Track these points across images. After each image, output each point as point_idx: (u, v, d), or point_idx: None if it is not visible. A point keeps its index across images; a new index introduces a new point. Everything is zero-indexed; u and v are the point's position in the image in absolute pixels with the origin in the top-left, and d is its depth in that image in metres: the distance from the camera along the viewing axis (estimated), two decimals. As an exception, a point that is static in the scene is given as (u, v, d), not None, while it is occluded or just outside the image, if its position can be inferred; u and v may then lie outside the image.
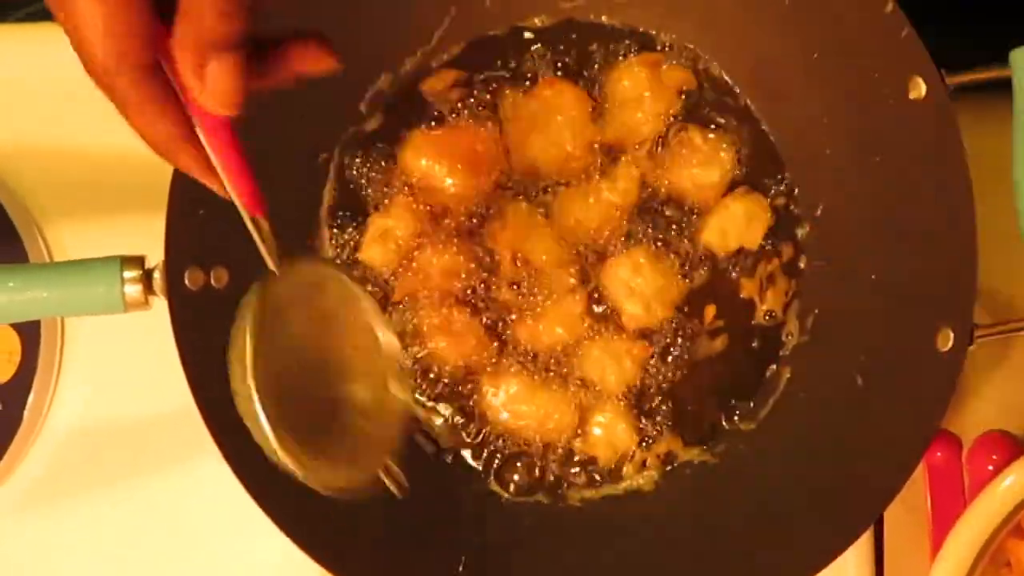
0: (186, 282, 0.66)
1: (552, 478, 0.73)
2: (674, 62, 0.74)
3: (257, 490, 0.65)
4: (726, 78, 0.74)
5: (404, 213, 0.73)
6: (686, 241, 0.73)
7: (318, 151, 0.74)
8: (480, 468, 0.73)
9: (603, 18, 0.75)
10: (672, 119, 0.74)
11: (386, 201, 0.74)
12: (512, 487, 0.73)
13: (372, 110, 0.75)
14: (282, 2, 0.67)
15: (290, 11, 0.68)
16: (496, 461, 0.73)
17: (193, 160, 0.40)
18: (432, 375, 0.73)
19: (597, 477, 0.73)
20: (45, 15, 0.83)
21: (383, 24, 0.73)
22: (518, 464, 0.73)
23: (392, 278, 0.74)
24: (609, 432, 0.73)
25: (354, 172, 0.74)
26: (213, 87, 0.36)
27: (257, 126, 0.69)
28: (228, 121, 0.41)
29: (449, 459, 0.73)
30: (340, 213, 0.74)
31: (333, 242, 0.74)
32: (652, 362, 0.73)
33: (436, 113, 0.74)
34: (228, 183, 0.44)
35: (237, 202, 0.45)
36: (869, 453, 0.67)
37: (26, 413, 0.76)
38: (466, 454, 0.74)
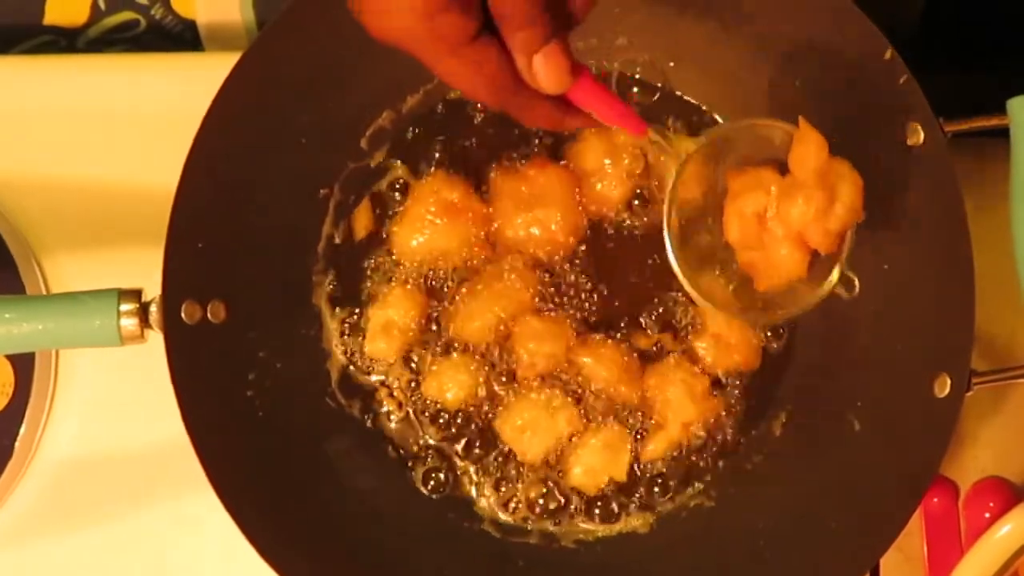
0: (183, 316, 0.65)
1: (547, 519, 0.73)
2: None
3: (247, 524, 0.64)
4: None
5: (402, 301, 0.73)
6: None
7: (318, 186, 0.74)
8: (474, 507, 0.73)
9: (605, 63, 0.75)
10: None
11: (384, 290, 0.74)
12: (505, 527, 0.73)
13: (373, 146, 0.75)
14: (290, 40, 0.68)
15: (298, 46, 0.69)
16: (492, 500, 0.73)
17: (537, 109, 0.47)
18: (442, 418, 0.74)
19: (595, 518, 0.72)
20: (46, 48, 0.84)
21: (385, 61, 0.73)
22: (512, 503, 0.73)
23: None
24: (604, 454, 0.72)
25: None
26: (542, 78, 0.43)
27: (260, 159, 0.70)
28: (586, 76, 0.47)
29: (437, 497, 0.73)
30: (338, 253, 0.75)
31: (331, 283, 0.74)
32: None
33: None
34: (609, 119, 0.50)
35: (622, 129, 0.51)
36: (865, 499, 0.67)
37: (17, 444, 0.75)
38: (459, 493, 0.73)
